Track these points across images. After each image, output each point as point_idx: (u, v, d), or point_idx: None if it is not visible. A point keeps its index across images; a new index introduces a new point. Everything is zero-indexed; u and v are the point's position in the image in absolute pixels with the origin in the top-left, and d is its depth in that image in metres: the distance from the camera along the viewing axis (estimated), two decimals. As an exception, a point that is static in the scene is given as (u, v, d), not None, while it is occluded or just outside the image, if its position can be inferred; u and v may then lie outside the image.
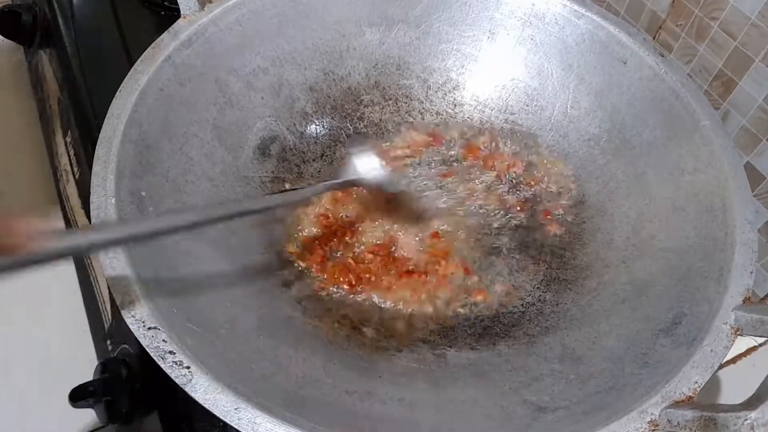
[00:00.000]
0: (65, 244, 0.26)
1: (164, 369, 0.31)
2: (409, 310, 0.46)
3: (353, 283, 0.46)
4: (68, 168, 0.61)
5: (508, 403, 0.37)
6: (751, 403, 0.29)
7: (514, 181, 0.53)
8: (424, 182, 0.52)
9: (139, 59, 0.44)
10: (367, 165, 0.45)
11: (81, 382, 0.41)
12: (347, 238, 0.48)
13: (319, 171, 0.52)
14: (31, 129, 0.71)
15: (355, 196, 0.50)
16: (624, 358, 0.37)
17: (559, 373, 0.39)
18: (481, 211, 0.51)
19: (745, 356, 0.55)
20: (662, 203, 0.45)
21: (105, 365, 0.43)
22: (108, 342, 0.52)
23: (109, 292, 0.33)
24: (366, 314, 0.45)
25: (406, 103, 0.56)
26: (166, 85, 0.44)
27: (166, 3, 0.64)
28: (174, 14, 0.48)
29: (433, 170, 0.53)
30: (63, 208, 0.65)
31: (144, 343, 0.31)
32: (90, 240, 0.28)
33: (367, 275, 0.47)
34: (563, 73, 0.52)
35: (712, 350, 0.34)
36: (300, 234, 0.48)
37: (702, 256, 0.40)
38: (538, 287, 0.47)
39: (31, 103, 0.73)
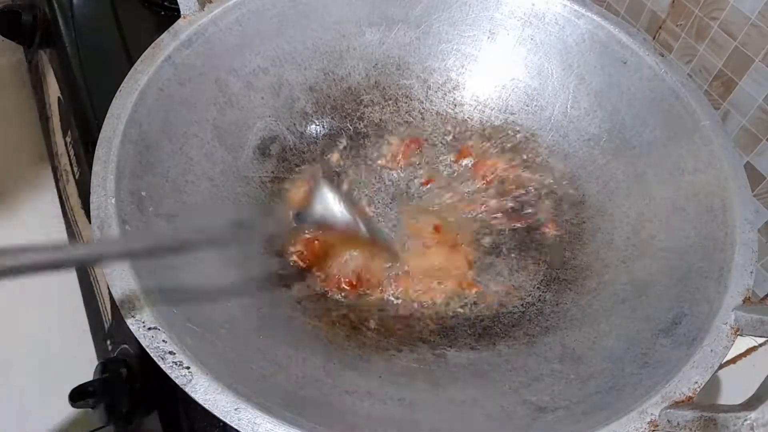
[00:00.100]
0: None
1: (164, 369, 0.31)
2: (410, 310, 0.46)
3: (354, 283, 0.46)
4: (68, 168, 0.61)
5: (508, 403, 0.37)
6: (751, 404, 0.29)
7: (503, 187, 0.53)
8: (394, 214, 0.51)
9: (139, 59, 0.44)
10: (331, 208, 0.43)
11: (81, 382, 0.41)
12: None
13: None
14: (31, 129, 0.71)
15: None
16: (624, 358, 0.37)
17: (559, 373, 0.39)
18: (476, 215, 0.51)
19: (745, 356, 0.55)
20: (662, 203, 0.45)
21: (105, 365, 0.43)
22: (108, 342, 0.52)
23: (109, 292, 0.33)
24: (366, 314, 0.45)
25: (406, 103, 0.56)
26: (166, 85, 0.44)
27: (166, 3, 0.64)
28: (174, 14, 0.48)
29: (416, 180, 0.53)
30: (63, 208, 0.65)
31: (144, 343, 0.31)
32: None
33: (368, 276, 0.47)
34: (563, 73, 0.52)
35: (712, 350, 0.34)
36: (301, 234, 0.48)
37: (702, 256, 0.40)
38: (538, 287, 0.47)
39: (31, 103, 0.73)
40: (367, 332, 0.44)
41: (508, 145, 0.54)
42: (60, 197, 0.66)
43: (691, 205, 0.43)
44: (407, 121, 0.56)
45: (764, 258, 0.54)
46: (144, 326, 0.32)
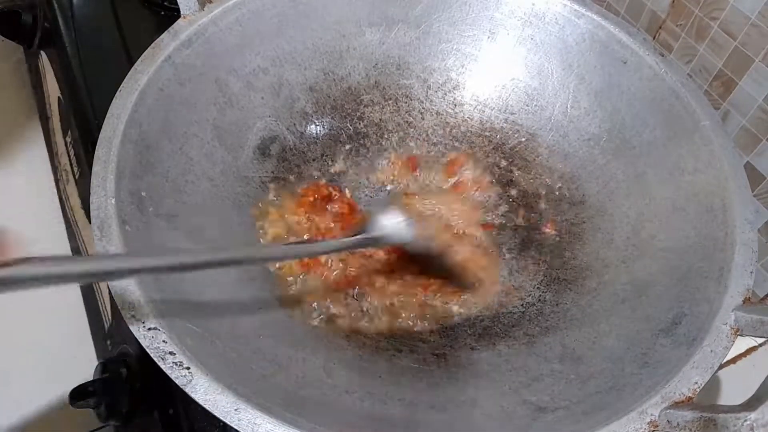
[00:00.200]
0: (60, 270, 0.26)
1: (164, 370, 0.31)
2: (410, 310, 0.46)
3: (354, 284, 0.46)
4: (68, 168, 0.61)
5: (508, 403, 0.37)
6: (751, 404, 0.29)
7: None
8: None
9: (139, 59, 0.44)
10: (392, 221, 0.42)
11: (81, 382, 0.41)
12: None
13: (319, 170, 0.53)
14: (31, 129, 0.71)
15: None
16: (624, 358, 0.37)
17: (559, 373, 0.39)
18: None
19: (745, 356, 0.55)
20: (662, 203, 0.45)
21: (105, 365, 0.43)
22: (108, 342, 0.52)
23: (109, 292, 0.33)
24: (366, 314, 0.45)
25: (406, 103, 0.56)
26: (166, 85, 0.44)
27: (166, 3, 0.64)
28: (174, 14, 0.48)
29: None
30: (63, 208, 0.65)
31: (144, 343, 0.31)
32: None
33: (367, 277, 0.47)
34: (563, 73, 0.52)
35: (712, 350, 0.34)
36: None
37: (702, 256, 0.40)
38: (538, 287, 0.47)
39: (31, 103, 0.73)
40: (367, 332, 0.44)
41: (507, 147, 0.54)
42: (60, 197, 0.66)
43: (691, 205, 0.43)
44: (407, 121, 0.56)
45: (764, 258, 0.54)
46: (144, 326, 0.32)
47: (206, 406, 0.30)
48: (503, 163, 0.54)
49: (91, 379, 0.42)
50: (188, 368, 0.31)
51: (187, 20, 0.46)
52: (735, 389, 0.52)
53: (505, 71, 0.55)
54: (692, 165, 0.44)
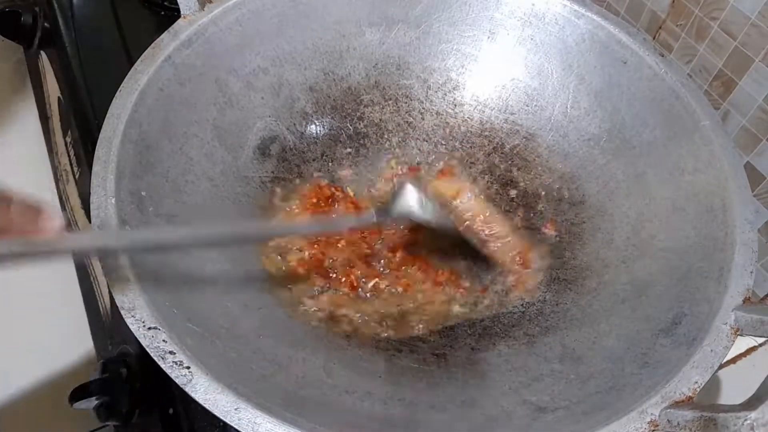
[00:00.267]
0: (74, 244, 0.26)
1: (164, 369, 0.31)
2: (410, 310, 0.46)
3: (354, 284, 0.46)
4: (68, 168, 0.61)
5: (508, 403, 0.37)
6: (751, 404, 0.29)
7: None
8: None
9: (139, 59, 0.44)
10: (416, 201, 0.43)
11: (81, 382, 0.41)
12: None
13: (320, 170, 0.53)
14: (31, 129, 0.71)
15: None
16: (624, 358, 0.37)
17: (559, 373, 0.39)
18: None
19: (745, 356, 0.55)
20: (662, 203, 0.45)
21: (105, 365, 0.43)
22: (108, 342, 0.52)
23: (109, 292, 0.33)
24: (366, 314, 0.45)
25: (406, 103, 0.56)
26: (166, 85, 0.44)
27: (166, 3, 0.64)
28: (174, 14, 0.48)
29: None
30: (63, 208, 0.65)
31: (144, 343, 0.31)
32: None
33: (366, 278, 0.47)
34: (563, 73, 0.52)
35: (712, 350, 0.34)
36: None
37: (702, 256, 0.40)
38: (538, 287, 0.47)
39: (31, 103, 0.73)
40: (367, 332, 0.44)
41: (507, 147, 0.54)
42: (60, 197, 0.66)
43: (691, 205, 0.43)
44: (407, 121, 0.56)
45: (764, 258, 0.54)
46: (144, 326, 0.32)
47: (206, 406, 0.30)
48: (503, 163, 0.54)
49: (91, 379, 0.42)
50: (188, 368, 0.31)
51: (187, 20, 0.46)
52: (735, 389, 0.52)
53: (505, 71, 0.55)
54: (692, 165, 0.44)
